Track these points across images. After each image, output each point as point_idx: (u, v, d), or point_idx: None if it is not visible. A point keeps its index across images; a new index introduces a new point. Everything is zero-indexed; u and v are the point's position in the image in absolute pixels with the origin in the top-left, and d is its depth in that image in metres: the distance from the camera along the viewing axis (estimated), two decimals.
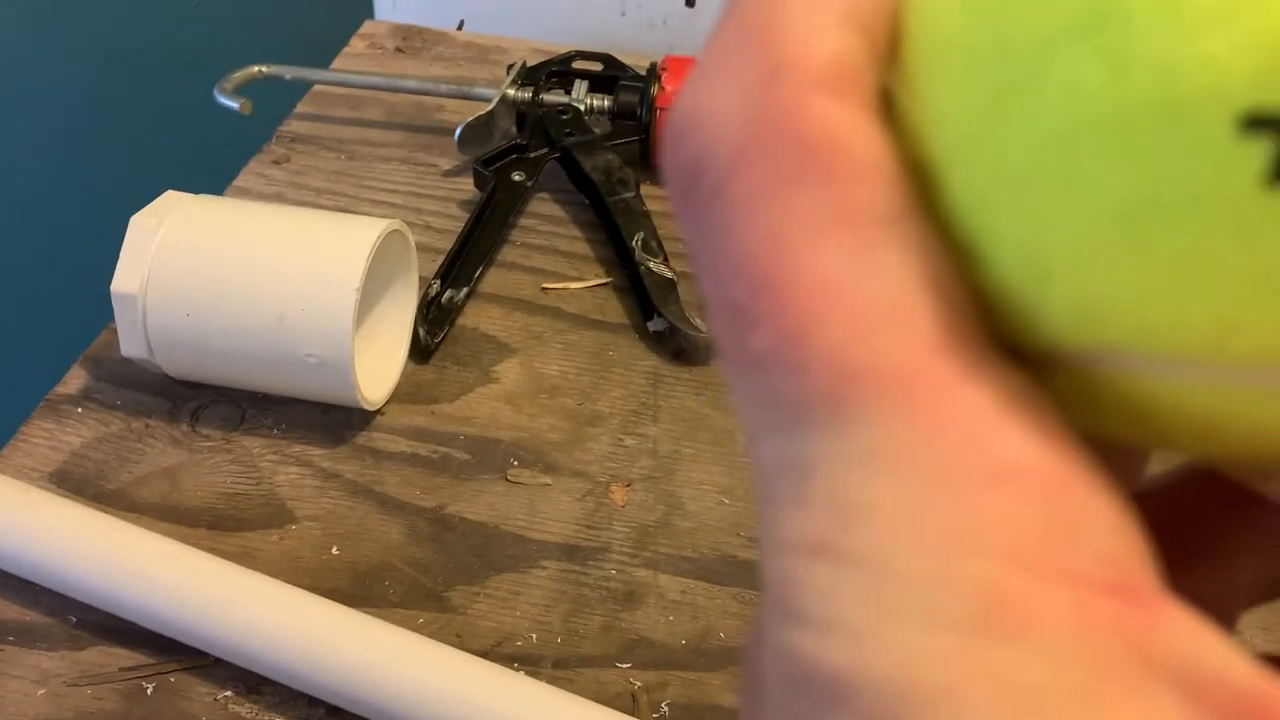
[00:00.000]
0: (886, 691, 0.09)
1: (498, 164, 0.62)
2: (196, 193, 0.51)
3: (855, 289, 0.09)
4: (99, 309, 0.49)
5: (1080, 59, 0.09)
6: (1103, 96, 0.09)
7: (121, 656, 0.42)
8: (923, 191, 0.10)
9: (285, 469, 0.49)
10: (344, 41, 0.76)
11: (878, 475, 0.09)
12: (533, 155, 0.63)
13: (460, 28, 0.80)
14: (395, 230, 0.50)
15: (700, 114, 0.11)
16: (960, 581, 0.09)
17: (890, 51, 0.10)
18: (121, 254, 0.48)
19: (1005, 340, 0.10)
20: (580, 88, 0.65)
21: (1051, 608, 0.09)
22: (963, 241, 0.10)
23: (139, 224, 0.48)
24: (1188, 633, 0.09)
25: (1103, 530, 0.09)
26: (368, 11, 0.83)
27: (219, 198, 0.51)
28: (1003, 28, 0.09)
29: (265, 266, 0.47)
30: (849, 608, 0.09)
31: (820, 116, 0.10)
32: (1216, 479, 0.14)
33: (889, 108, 0.10)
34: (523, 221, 0.62)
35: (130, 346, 0.48)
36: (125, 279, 0.47)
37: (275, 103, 0.70)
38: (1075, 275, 0.10)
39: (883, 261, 0.10)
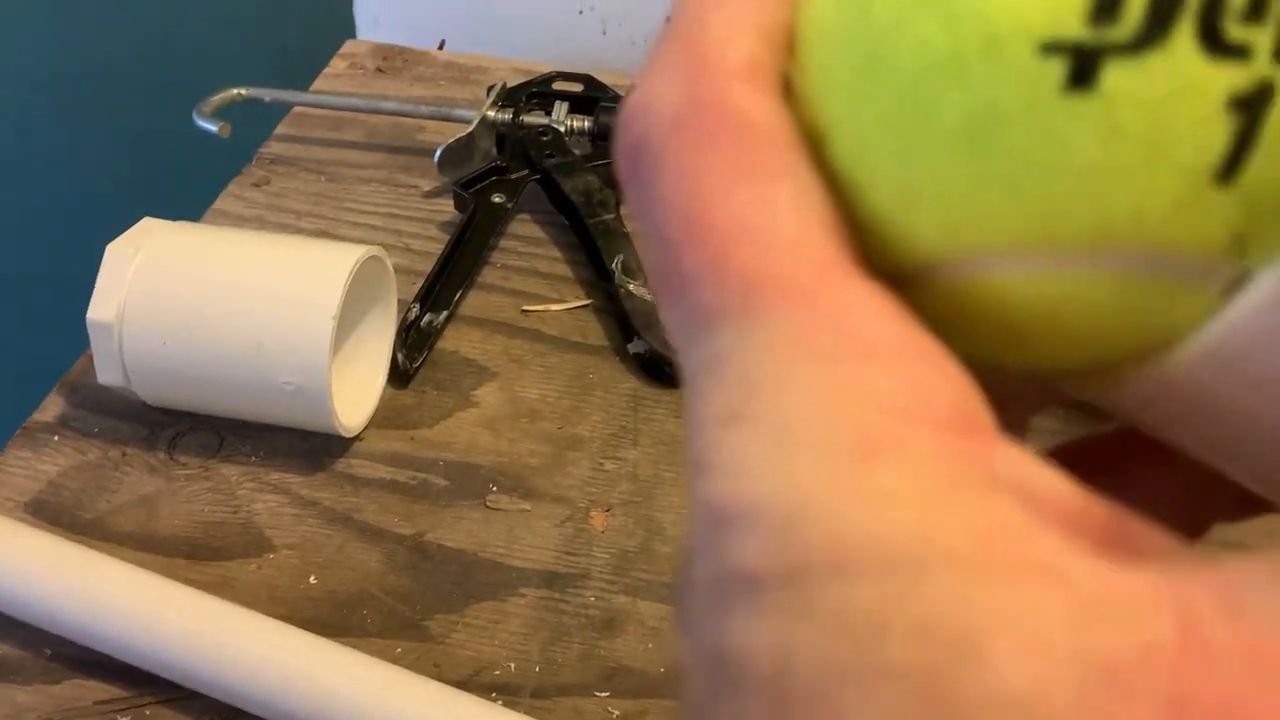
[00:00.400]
0: (786, 510, 0.11)
1: (478, 186, 0.62)
2: (176, 216, 0.51)
3: (759, 223, 0.12)
4: (77, 336, 0.49)
5: (924, 22, 0.12)
6: (941, 44, 0.12)
7: (96, 690, 0.42)
8: (816, 151, 0.13)
9: (263, 497, 0.49)
10: (325, 62, 0.76)
11: (777, 357, 0.12)
12: (513, 177, 0.63)
13: (441, 48, 0.80)
14: (373, 256, 0.49)
15: (643, 104, 0.13)
16: (842, 426, 0.11)
17: (788, 50, 0.14)
18: (98, 282, 0.47)
19: (883, 267, 0.13)
20: (560, 109, 0.65)
21: (914, 439, 0.11)
22: (847, 187, 0.13)
23: (115, 252, 0.48)
24: (1021, 459, 0.12)
25: (950, 390, 0.12)
26: (349, 32, 0.83)
27: (196, 224, 0.51)
28: (866, 11, 0.12)
29: (242, 294, 0.47)
30: (754, 454, 0.12)
31: (733, 99, 0.13)
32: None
33: (789, 92, 0.13)
34: (503, 243, 0.62)
35: (107, 374, 0.48)
36: (102, 307, 0.47)
37: (255, 124, 0.69)
38: (936, 194, 0.12)
39: (781, 204, 0.12)
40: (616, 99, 0.65)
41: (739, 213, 0.12)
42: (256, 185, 0.65)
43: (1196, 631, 0.10)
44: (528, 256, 0.62)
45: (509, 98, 0.65)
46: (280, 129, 0.70)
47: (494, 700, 0.42)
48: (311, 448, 0.50)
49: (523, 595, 0.46)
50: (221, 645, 0.41)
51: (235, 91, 0.65)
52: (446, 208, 0.63)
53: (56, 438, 0.51)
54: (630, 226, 0.60)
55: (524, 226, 0.64)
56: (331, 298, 0.46)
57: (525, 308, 0.58)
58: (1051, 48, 0.11)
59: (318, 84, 0.75)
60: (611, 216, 0.60)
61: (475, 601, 0.45)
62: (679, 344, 0.13)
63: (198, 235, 0.50)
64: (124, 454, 0.50)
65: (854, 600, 0.11)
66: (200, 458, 0.50)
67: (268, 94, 0.66)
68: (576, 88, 0.67)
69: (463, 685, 0.42)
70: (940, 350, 0.12)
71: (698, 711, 0.12)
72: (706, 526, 0.12)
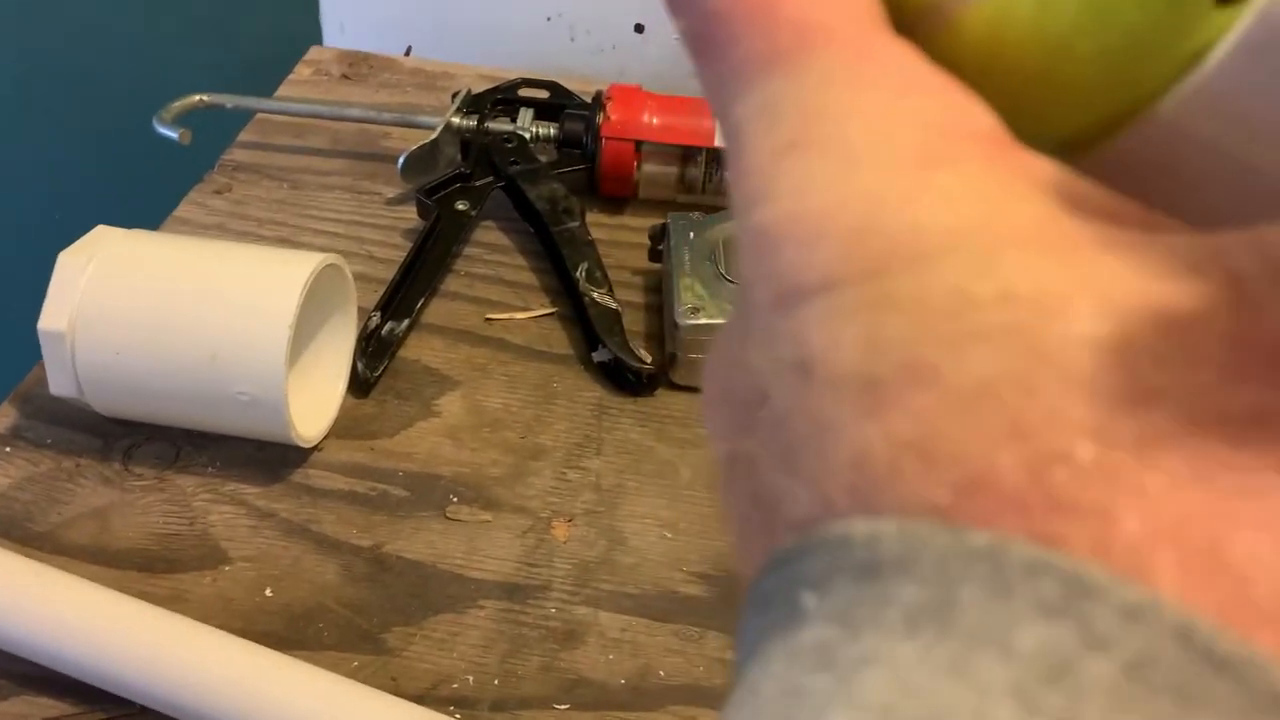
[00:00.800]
0: (858, 215, 0.12)
1: (442, 193, 0.61)
2: (136, 224, 0.51)
3: None
4: (29, 346, 0.48)
5: None
6: None
7: (46, 706, 0.41)
8: None
9: (219, 508, 0.48)
10: (290, 68, 0.76)
11: (833, 89, 0.13)
12: (477, 184, 0.62)
13: (408, 54, 0.80)
14: (331, 264, 0.49)
15: None
16: (902, 143, 0.12)
17: None
18: (49, 291, 0.47)
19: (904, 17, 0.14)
20: (525, 115, 0.64)
21: (966, 150, 0.13)
22: None
23: (67, 261, 0.47)
24: (1055, 167, 0.13)
25: (984, 114, 0.13)
26: (315, 38, 0.83)
27: (150, 232, 0.50)
28: None
29: (196, 303, 0.46)
30: (820, 173, 0.12)
31: None
32: None
33: None
34: (467, 251, 0.62)
35: (59, 385, 0.47)
36: (53, 317, 0.46)
37: (218, 131, 0.69)
38: None
39: None
40: (582, 106, 0.65)
41: None
42: (218, 192, 0.65)
43: (1242, 285, 0.11)
44: (492, 264, 0.61)
45: (474, 104, 0.65)
46: (243, 136, 0.69)
47: (452, 714, 0.41)
48: (269, 458, 0.50)
49: (482, 607, 0.45)
50: (174, 660, 0.40)
51: (197, 98, 0.64)
52: (410, 215, 0.63)
53: (8, 449, 0.50)
54: (592, 236, 0.60)
55: (488, 234, 0.63)
56: (287, 307, 0.45)
57: (489, 316, 0.58)
58: None
59: (283, 90, 0.74)
60: (576, 224, 0.60)
61: (434, 614, 0.45)
62: (723, 101, 0.14)
63: (152, 243, 0.49)
64: (77, 465, 0.49)
65: (938, 281, 0.11)
66: (156, 469, 0.49)
67: (230, 100, 0.66)
68: (542, 94, 0.67)
69: (420, 699, 0.41)
70: (964, 87, 0.13)
71: (780, 423, 0.12)
72: (765, 252, 0.13)
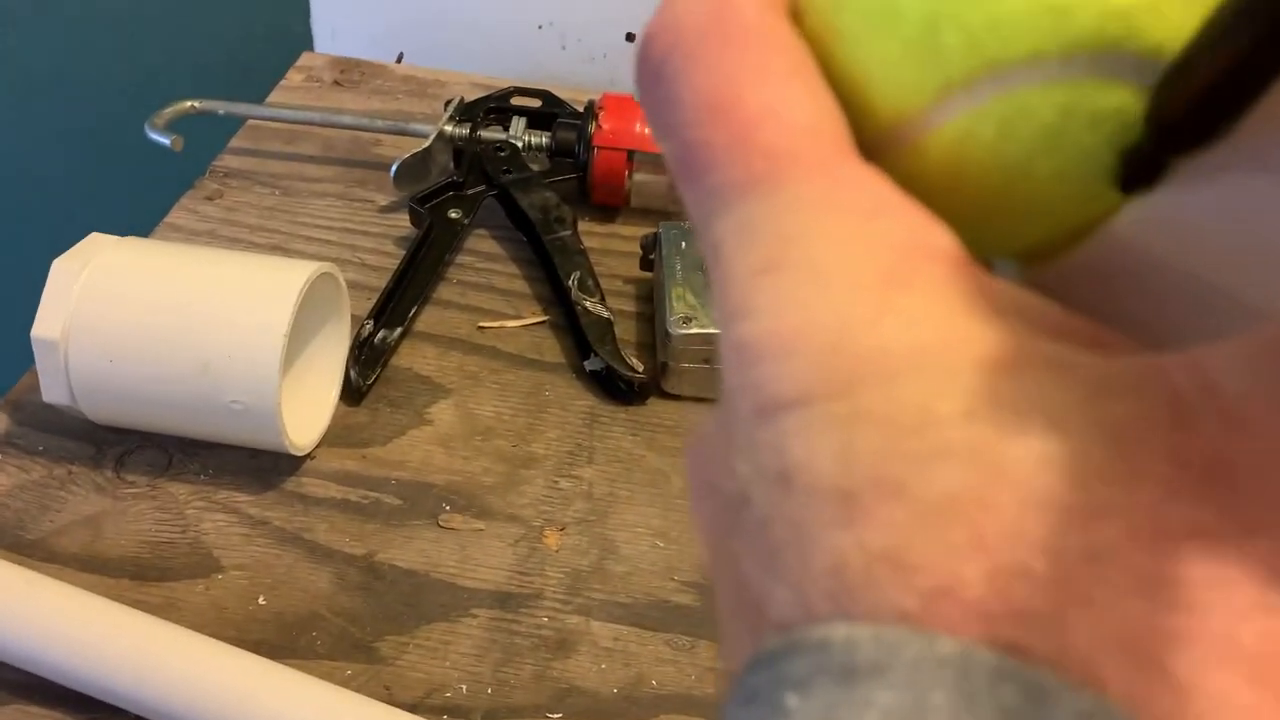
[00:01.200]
0: (829, 334, 0.13)
1: (434, 201, 0.61)
2: (128, 230, 0.51)
3: (779, 111, 0.14)
4: (22, 353, 0.48)
5: None
6: None
7: (38, 715, 0.41)
8: (819, 52, 0.15)
9: (212, 516, 0.48)
10: (282, 74, 0.76)
11: (804, 214, 0.14)
12: (470, 192, 0.62)
13: (400, 61, 0.80)
14: (325, 272, 0.49)
15: (670, 19, 0.15)
16: (868, 264, 0.13)
17: None
18: (43, 298, 0.47)
19: (871, 136, 0.15)
20: (518, 124, 0.65)
21: (928, 272, 0.13)
22: (855, 71, 0.15)
23: (61, 268, 0.47)
24: (1012, 287, 0.14)
25: (940, 235, 0.14)
26: (307, 44, 0.83)
27: (144, 240, 0.50)
28: None
29: (190, 312, 0.46)
30: (792, 294, 0.13)
31: (752, 14, 0.15)
32: None
33: (797, 13, 0.16)
34: (460, 259, 0.62)
35: (52, 393, 0.47)
36: (46, 324, 0.46)
37: (210, 137, 0.69)
38: (959, 15, 0.14)
39: (797, 97, 0.15)
40: (574, 115, 0.65)
41: (762, 103, 0.14)
42: (209, 199, 0.65)
43: (1182, 406, 0.12)
44: (484, 273, 0.61)
45: (466, 112, 0.65)
46: (234, 142, 0.69)
47: None
48: (262, 466, 0.50)
49: (475, 616, 0.45)
50: (166, 669, 0.40)
51: (188, 104, 0.64)
52: (402, 223, 0.63)
53: (0, 456, 0.50)
54: (584, 245, 0.60)
55: (481, 242, 0.63)
56: (281, 316, 0.45)
57: (481, 324, 0.58)
58: None
59: (274, 96, 0.74)
60: (568, 233, 0.60)
61: (427, 622, 0.45)
62: (704, 220, 0.15)
63: (146, 251, 0.49)
64: (70, 472, 0.49)
65: (904, 399, 0.12)
66: (148, 476, 0.49)
67: (222, 106, 0.66)
68: (535, 103, 0.67)
69: (413, 708, 0.41)
70: (927, 210, 0.14)
71: (762, 528, 0.13)
72: (746, 365, 0.14)
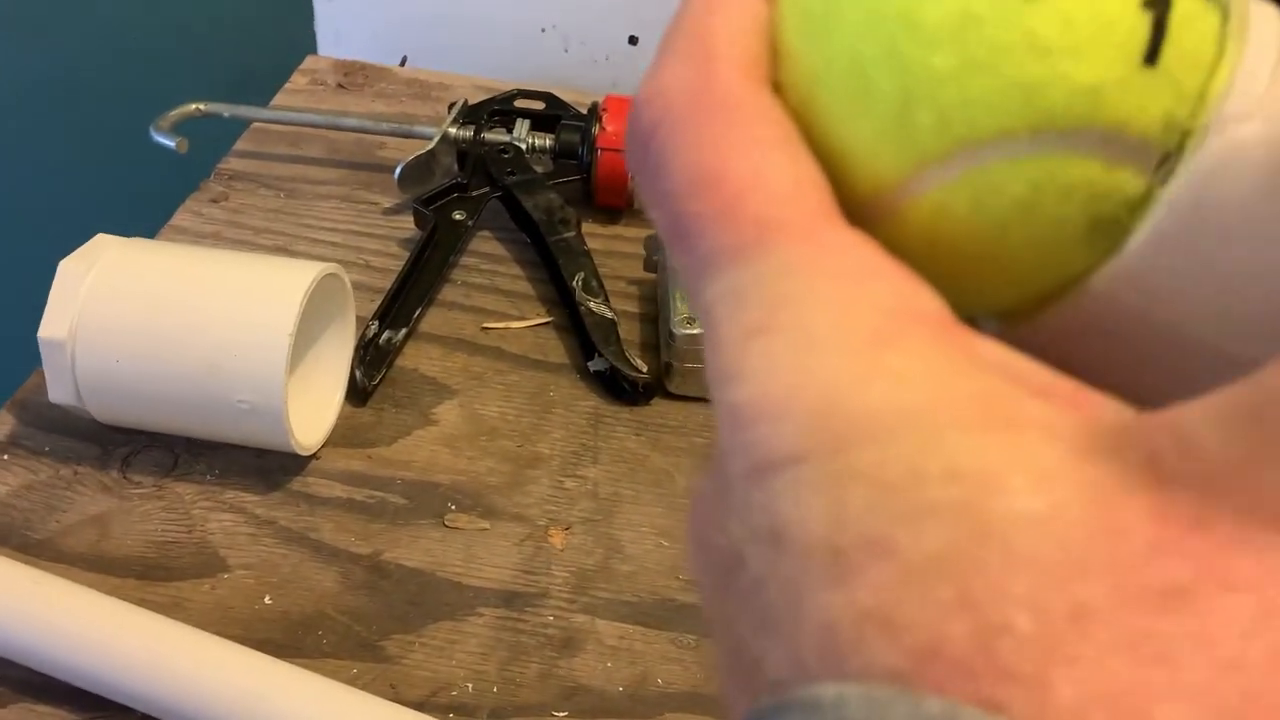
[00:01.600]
0: (819, 396, 0.13)
1: (438, 203, 0.61)
2: (133, 232, 0.51)
3: (766, 180, 0.15)
4: (28, 353, 0.48)
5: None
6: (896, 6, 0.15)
7: (44, 714, 0.41)
8: (799, 124, 0.16)
9: (218, 516, 0.48)
10: (286, 77, 0.76)
11: (792, 279, 0.14)
12: (474, 194, 0.62)
13: (403, 64, 0.80)
14: (331, 273, 0.49)
15: (659, 90, 0.16)
16: (855, 327, 0.14)
17: (772, 50, 0.16)
18: (50, 299, 0.47)
19: (855, 203, 0.16)
20: (522, 126, 0.65)
21: (915, 333, 0.14)
22: (836, 144, 0.15)
23: (67, 269, 0.47)
24: (997, 347, 0.14)
25: (931, 298, 0.14)
26: (310, 47, 0.83)
27: (150, 241, 0.50)
28: (831, 18, 0.15)
29: (197, 312, 0.46)
30: (782, 357, 0.14)
31: (738, 86, 0.15)
32: None
33: (778, 85, 0.16)
34: (464, 260, 0.62)
35: (58, 393, 0.48)
36: (53, 325, 0.47)
37: (215, 139, 0.69)
38: (933, 90, 0.14)
39: (782, 166, 0.15)
40: (578, 117, 0.66)
41: (748, 172, 0.15)
42: (215, 201, 0.65)
43: (1160, 464, 0.12)
44: (488, 274, 0.62)
45: (470, 115, 0.65)
46: (239, 145, 0.69)
47: None
48: (268, 466, 0.50)
49: (481, 615, 0.45)
50: (173, 667, 0.40)
51: (194, 106, 0.65)
52: (407, 225, 0.63)
53: (6, 456, 0.50)
54: (588, 246, 0.60)
55: (485, 244, 0.64)
56: (287, 316, 0.45)
57: (485, 325, 0.58)
58: None
59: (278, 100, 0.74)
60: (572, 234, 0.60)
61: (432, 621, 0.45)
62: (696, 286, 0.15)
63: (152, 252, 0.49)
64: (76, 473, 0.49)
65: (892, 459, 0.13)
66: (154, 476, 0.50)
67: (227, 109, 0.66)
68: (538, 105, 0.67)
69: (420, 706, 0.41)
70: (912, 272, 0.15)
71: (756, 587, 0.13)
72: (738, 428, 0.14)
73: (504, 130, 0.65)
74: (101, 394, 0.47)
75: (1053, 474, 0.12)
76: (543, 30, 0.80)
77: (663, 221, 0.16)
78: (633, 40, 0.80)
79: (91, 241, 0.49)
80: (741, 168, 0.15)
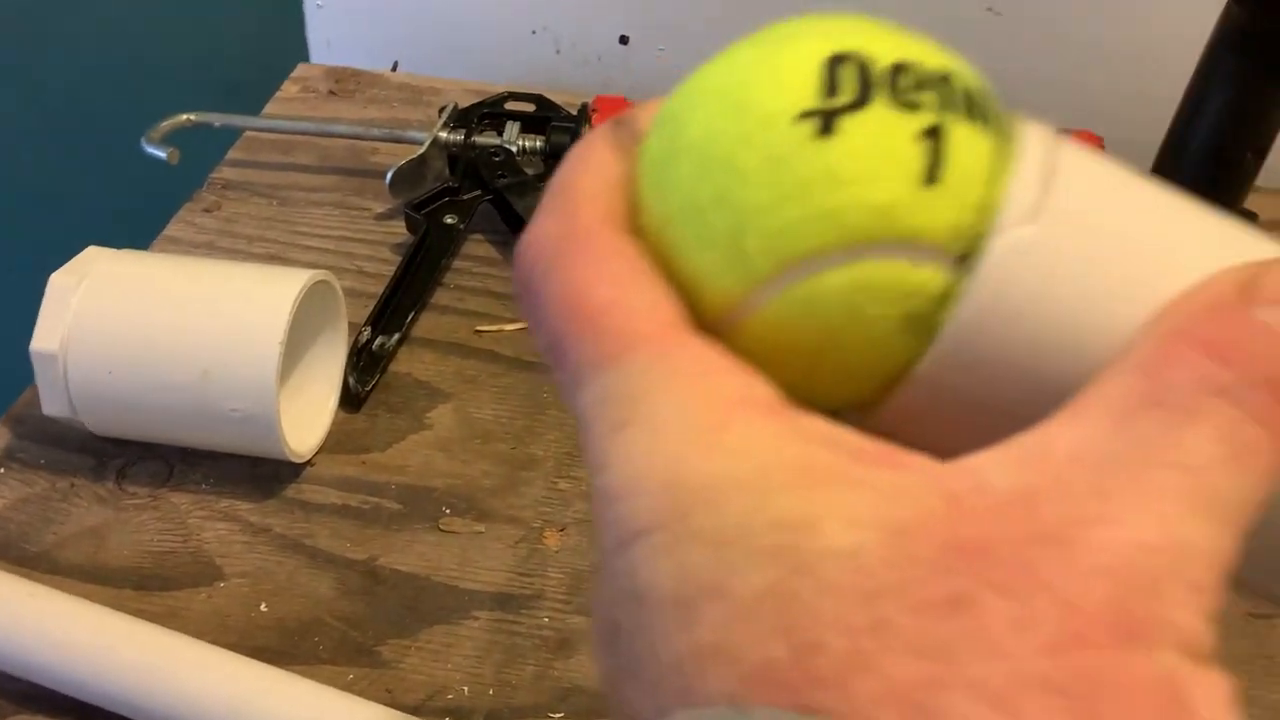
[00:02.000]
0: (666, 474, 0.16)
1: (430, 207, 0.62)
2: (127, 244, 0.51)
3: (624, 303, 0.17)
4: (22, 367, 0.49)
5: (723, 122, 0.18)
6: (735, 130, 0.17)
7: None
8: (658, 260, 0.18)
9: (214, 525, 0.48)
10: (278, 86, 0.76)
11: (646, 379, 0.16)
12: (465, 197, 0.63)
13: (395, 69, 0.80)
14: (321, 279, 0.49)
15: (536, 237, 0.19)
16: (698, 415, 0.16)
17: (631, 201, 0.19)
18: (41, 312, 0.47)
19: (708, 322, 0.18)
20: (512, 129, 0.65)
21: (748, 417, 0.16)
22: (688, 272, 0.18)
23: (58, 282, 0.47)
24: (819, 420, 0.16)
25: (764, 387, 0.17)
26: (302, 55, 0.83)
27: (140, 252, 0.50)
28: (679, 133, 0.18)
29: (187, 322, 0.46)
30: (638, 446, 0.16)
31: (599, 230, 0.18)
32: None
33: (636, 229, 0.19)
34: (456, 264, 0.62)
35: (52, 405, 0.48)
36: (45, 338, 0.47)
37: (208, 149, 0.69)
38: (758, 221, 0.17)
39: (637, 291, 0.18)
40: (569, 119, 0.66)
41: (607, 296, 0.17)
42: (208, 211, 0.65)
43: (956, 502, 0.15)
44: (481, 277, 0.62)
45: (461, 118, 0.65)
46: (232, 154, 0.69)
47: None
48: (262, 474, 0.50)
49: (476, 618, 0.45)
50: (170, 677, 0.40)
51: (184, 117, 0.65)
52: (399, 230, 0.63)
53: (2, 470, 0.50)
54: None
55: (477, 247, 0.64)
56: (278, 323, 0.46)
57: (479, 328, 0.58)
58: (804, 115, 0.17)
59: (270, 108, 0.74)
60: None
61: (428, 625, 0.45)
62: (571, 395, 0.18)
63: (142, 263, 0.49)
64: (72, 485, 0.50)
65: (726, 519, 0.15)
66: (150, 487, 0.50)
67: (217, 119, 0.66)
68: (529, 108, 0.67)
69: (416, 710, 0.42)
70: (748, 367, 0.17)
71: (628, 643, 0.16)
72: (605, 508, 0.16)
73: (494, 133, 0.65)
74: (95, 405, 0.47)
75: (862, 518, 0.15)
76: (533, 32, 0.81)
77: (542, 344, 0.18)
78: (623, 40, 0.80)
79: (82, 254, 0.49)
80: (601, 293, 0.17)
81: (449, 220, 0.61)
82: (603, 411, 0.17)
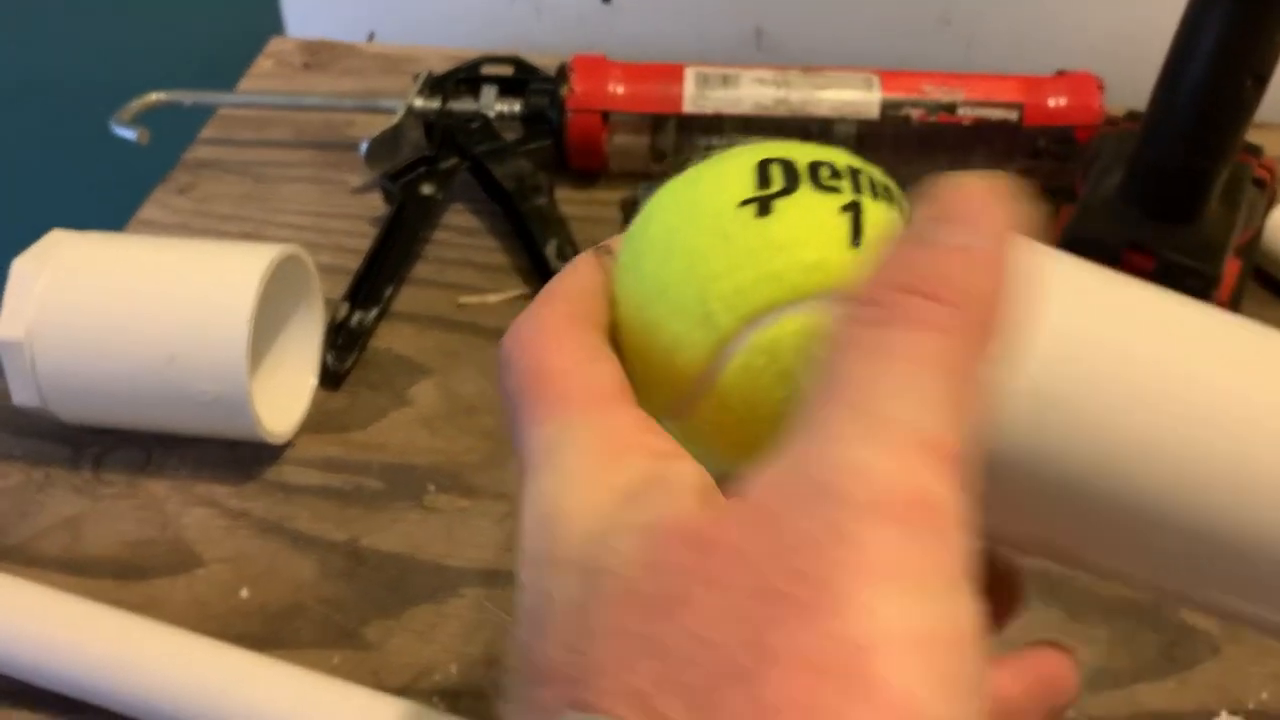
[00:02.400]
0: (547, 511, 0.19)
1: (407, 178, 0.60)
2: (101, 227, 0.50)
3: (573, 373, 0.21)
4: None
5: (674, 217, 0.22)
6: (686, 220, 0.22)
7: (22, 719, 0.41)
8: (637, 338, 0.22)
9: (192, 511, 0.47)
10: (252, 61, 0.74)
11: (568, 435, 0.20)
12: (443, 166, 0.61)
13: (371, 39, 0.79)
14: (291, 255, 0.48)
15: (517, 326, 0.22)
16: (589, 464, 0.19)
17: (608, 296, 0.23)
18: (5, 299, 0.46)
19: (667, 404, 0.22)
20: (489, 94, 0.63)
21: (632, 461, 0.19)
22: (665, 342, 0.21)
23: (21, 268, 0.46)
24: (686, 462, 0.20)
25: (657, 438, 0.20)
26: (277, 28, 0.81)
27: (106, 234, 0.49)
28: (646, 229, 0.22)
29: (153, 303, 0.45)
30: (546, 484, 0.19)
31: (568, 321, 0.22)
32: None
33: (617, 323, 0.22)
34: (436, 235, 0.61)
35: (21, 395, 0.47)
36: (9, 325, 0.45)
37: (184, 128, 0.67)
38: (715, 286, 0.21)
39: (586, 364, 0.21)
40: (547, 80, 0.64)
41: (562, 369, 0.21)
42: (182, 191, 0.63)
43: (709, 492, 0.18)
44: (461, 248, 0.60)
45: (436, 85, 0.64)
46: (206, 132, 0.68)
47: (436, 705, 0.40)
48: (241, 457, 0.49)
49: (463, 596, 0.44)
50: (151, 667, 0.39)
51: (152, 96, 0.63)
52: (378, 202, 0.62)
53: None
54: (562, 212, 0.58)
55: (458, 217, 0.62)
56: (245, 301, 0.44)
57: (460, 300, 0.57)
58: (745, 202, 0.21)
59: (244, 83, 0.73)
60: (544, 201, 0.58)
61: (413, 605, 0.44)
62: (519, 446, 0.21)
63: (107, 245, 0.48)
64: (47, 475, 0.49)
65: (559, 543, 0.18)
66: (127, 475, 0.49)
67: (188, 97, 0.64)
68: (506, 71, 0.65)
69: (403, 692, 0.40)
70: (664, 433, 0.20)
71: (520, 655, 0.19)
72: (517, 538, 0.19)
73: (471, 99, 0.63)
74: (64, 393, 0.46)
75: (626, 527, 0.18)
76: None
77: (509, 406, 0.21)
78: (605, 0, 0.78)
79: (45, 238, 0.48)
80: (556, 364, 0.21)
81: (426, 190, 0.60)
82: (530, 458, 0.20)
